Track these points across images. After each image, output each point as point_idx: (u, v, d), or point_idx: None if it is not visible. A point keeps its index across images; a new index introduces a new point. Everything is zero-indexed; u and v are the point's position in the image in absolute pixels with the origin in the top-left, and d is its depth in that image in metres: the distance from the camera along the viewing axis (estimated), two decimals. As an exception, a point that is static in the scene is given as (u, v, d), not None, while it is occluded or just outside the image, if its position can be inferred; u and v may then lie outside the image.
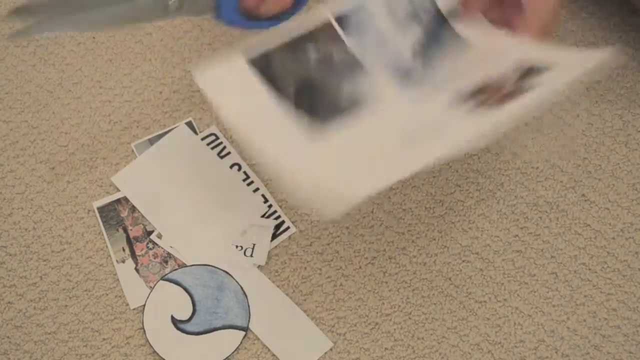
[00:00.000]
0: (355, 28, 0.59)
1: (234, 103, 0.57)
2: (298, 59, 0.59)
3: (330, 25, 0.59)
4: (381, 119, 0.57)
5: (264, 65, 0.58)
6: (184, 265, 0.71)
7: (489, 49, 0.57)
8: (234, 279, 0.70)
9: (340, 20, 0.60)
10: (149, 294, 0.70)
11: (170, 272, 0.71)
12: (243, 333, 0.69)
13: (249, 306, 0.70)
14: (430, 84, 0.57)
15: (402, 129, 0.54)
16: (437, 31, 0.59)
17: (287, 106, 0.56)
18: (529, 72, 0.53)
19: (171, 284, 0.70)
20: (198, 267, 0.71)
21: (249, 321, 0.69)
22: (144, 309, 0.69)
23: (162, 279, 0.70)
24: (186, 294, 0.70)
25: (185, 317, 0.69)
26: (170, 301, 0.70)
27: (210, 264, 0.71)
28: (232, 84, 0.57)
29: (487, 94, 0.53)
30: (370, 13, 0.60)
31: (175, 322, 0.69)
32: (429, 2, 0.59)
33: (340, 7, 0.60)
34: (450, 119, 0.53)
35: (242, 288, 0.70)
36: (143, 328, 0.69)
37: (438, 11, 0.59)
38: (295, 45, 0.59)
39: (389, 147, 0.53)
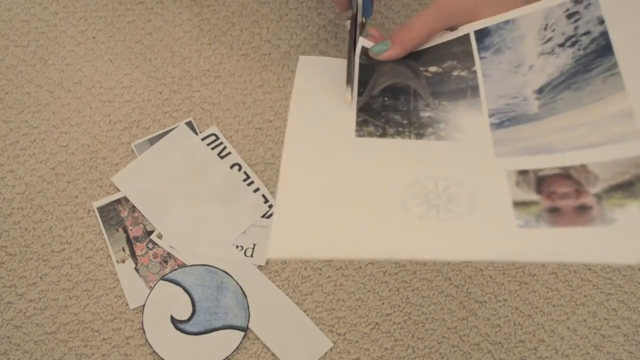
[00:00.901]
0: (493, 45, 0.53)
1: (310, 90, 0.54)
2: (411, 67, 0.56)
3: (467, 38, 0.55)
4: (430, 151, 0.51)
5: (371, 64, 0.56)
6: (184, 265, 0.71)
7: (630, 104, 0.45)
8: (233, 279, 0.70)
9: (480, 33, 0.54)
10: (149, 294, 0.70)
11: (170, 272, 0.71)
12: (242, 333, 0.69)
13: (248, 306, 0.70)
14: (528, 137, 0.48)
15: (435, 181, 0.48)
16: (589, 60, 0.48)
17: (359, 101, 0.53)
18: (626, 186, 0.43)
19: (171, 284, 0.70)
20: (198, 267, 0.71)
21: (248, 321, 0.69)
22: (143, 309, 0.69)
23: (162, 279, 0.70)
24: (186, 294, 0.70)
25: (185, 317, 0.69)
26: (170, 301, 0.70)
27: (210, 264, 0.71)
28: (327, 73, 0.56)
29: (562, 189, 0.44)
30: (520, 32, 0.52)
31: (174, 322, 0.69)
32: (595, 22, 0.48)
33: (487, 21, 0.54)
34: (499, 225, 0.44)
35: (241, 288, 0.70)
36: (143, 328, 0.69)
37: (604, 34, 0.48)
38: (426, 52, 0.57)
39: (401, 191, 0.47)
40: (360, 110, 0.54)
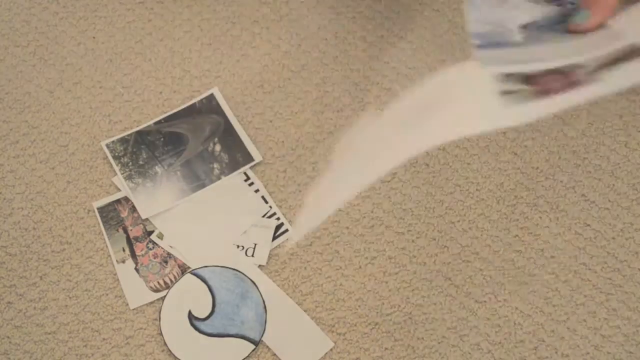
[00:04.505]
0: None
1: None
2: None
3: None
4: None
5: None
6: (215, 265, 0.70)
7: (602, 34, 0.52)
8: (259, 291, 0.70)
9: None
10: (174, 284, 0.69)
11: (201, 267, 0.70)
12: (253, 346, 0.68)
13: (266, 322, 0.69)
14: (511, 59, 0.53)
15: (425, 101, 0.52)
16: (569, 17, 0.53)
17: None
18: (612, 63, 0.49)
19: (197, 280, 0.70)
20: (228, 269, 0.70)
21: (262, 336, 0.68)
22: (164, 299, 0.69)
23: (191, 272, 0.70)
24: (209, 294, 0.70)
25: (203, 315, 0.69)
26: (192, 296, 0.69)
27: (240, 270, 0.70)
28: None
29: (552, 79, 0.49)
30: None
31: (191, 317, 0.69)
32: None
33: None
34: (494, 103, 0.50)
35: (264, 302, 0.70)
36: (159, 317, 0.68)
37: None
38: None
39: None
40: None
